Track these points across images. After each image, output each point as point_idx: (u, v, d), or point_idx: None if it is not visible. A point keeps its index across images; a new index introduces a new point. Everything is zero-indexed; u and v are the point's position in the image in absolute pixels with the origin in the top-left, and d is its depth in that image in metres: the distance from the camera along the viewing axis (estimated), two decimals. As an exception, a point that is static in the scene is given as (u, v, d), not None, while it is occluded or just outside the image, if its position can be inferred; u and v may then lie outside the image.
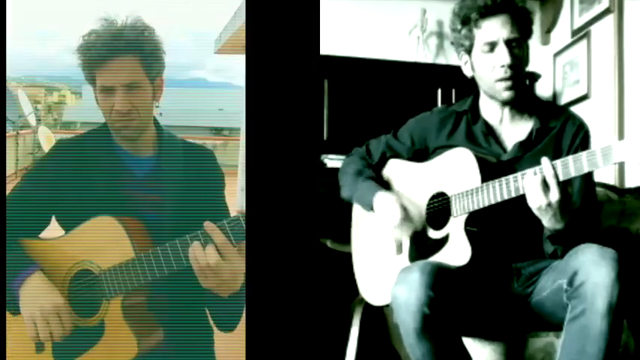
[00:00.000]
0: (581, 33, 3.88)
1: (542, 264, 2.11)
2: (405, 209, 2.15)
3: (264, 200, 1.66)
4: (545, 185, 1.86)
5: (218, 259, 1.61)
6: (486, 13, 2.13)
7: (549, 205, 1.87)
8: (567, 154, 2.11)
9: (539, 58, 4.16)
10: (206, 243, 1.64)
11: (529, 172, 1.91)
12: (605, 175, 3.22)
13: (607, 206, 2.58)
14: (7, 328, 1.79)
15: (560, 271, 1.94)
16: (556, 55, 4.17)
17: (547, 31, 4.26)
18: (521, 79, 2.14)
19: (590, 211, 2.13)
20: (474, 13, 2.14)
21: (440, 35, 4.25)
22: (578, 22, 3.92)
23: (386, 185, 2.31)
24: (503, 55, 2.10)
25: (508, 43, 2.10)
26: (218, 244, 1.63)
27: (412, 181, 2.28)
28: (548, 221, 1.92)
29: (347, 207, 2.47)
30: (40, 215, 1.88)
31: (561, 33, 4.15)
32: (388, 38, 4.18)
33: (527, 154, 2.15)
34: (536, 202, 1.88)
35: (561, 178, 1.85)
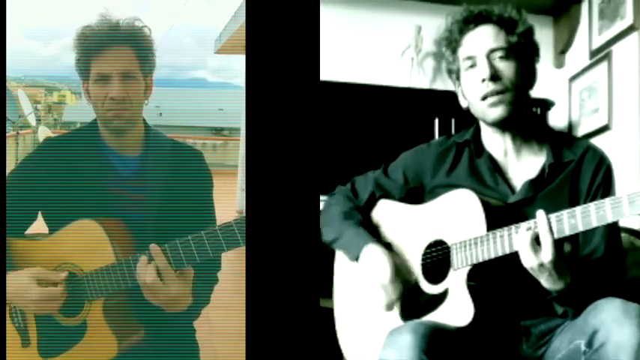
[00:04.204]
0: (600, 54, 3.91)
1: (555, 322, 2.11)
2: (396, 269, 2.17)
3: (264, 200, 1.87)
4: (537, 243, 1.88)
5: (154, 279, 1.87)
6: (466, 26, 2.18)
7: (542, 265, 1.88)
8: (587, 194, 2.13)
9: (552, 82, 4.20)
10: (151, 260, 1.90)
11: (523, 225, 1.92)
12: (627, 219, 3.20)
13: (631, 255, 2.58)
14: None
15: (577, 330, 1.93)
16: (572, 79, 4.20)
17: (561, 51, 4.29)
18: (515, 96, 2.13)
19: (615, 260, 2.13)
20: (455, 32, 2.19)
21: (437, 56, 4.25)
22: (598, 41, 3.96)
23: (375, 231, 2.32)
24: (482, 68, 2.12)
25: (489, 54, 2.12)
26: (159, 267, 1.88)
27: (406, 227, 2.28)
28: (545, 281, 1.93)
29: (329, 256, 2.46)
30: (25, 213, 2.15)
31: (578, 54, 4.19)
32: (377, 60, 4.19)
33: (539, 194, 2.14)
34: (527, 262, 1.90)
35: (556, 236, 1.86)
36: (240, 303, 1.93)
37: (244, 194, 1.89)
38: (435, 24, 4.04)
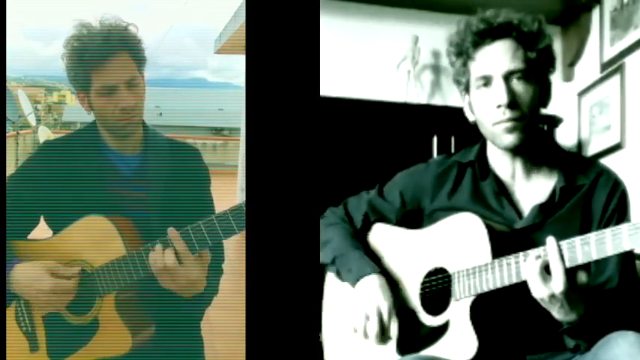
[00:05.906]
0: (612, 66, 3.91)
1: (562, 356, 2.10)
2: (394, 305, 2.17)
3: (264, 200, 1.96)
4: (547, 272, 1.88)
5: (174, 262, 1.99)
6: (481, 40, 2.12)
7: (553, 296, 1.88)
8: (600, 219, 2.12)
9: (560, 97, 4.18)
10: (167, 247, 2.01)
11: (532, 253, 1.92)
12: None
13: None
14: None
15: (587, 367, 1.93)
16: (581, 94, 4.21)
17: (570, 64, 4.29)
18: (529, 120, 2.11)
19: (629, 291, 2.12)
20: (468, 42, 2.14)
21: (435, 69, 4.25)
22: (609, 52, 3.96)
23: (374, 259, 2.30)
24: (499, 93, 2.08)
25: (507, 76, 2.08)
26: (178, 250, 2.00)
27: (403, 254, 2.27)
28: (557, 313, 1.92)
29: (319, 289, 2.45)
30: (27, 216, 2.27)
31: (588, 66, 4.19)
32: (371, 73, 4.18)
33: (548, 219, 2.13)
34: (537, 292, 1.89)
35: (568, 264, 1.85)
36: (240, 303, 2.01)
37: (244, 194, 1.98)
38: (433, 34, 4.09)
